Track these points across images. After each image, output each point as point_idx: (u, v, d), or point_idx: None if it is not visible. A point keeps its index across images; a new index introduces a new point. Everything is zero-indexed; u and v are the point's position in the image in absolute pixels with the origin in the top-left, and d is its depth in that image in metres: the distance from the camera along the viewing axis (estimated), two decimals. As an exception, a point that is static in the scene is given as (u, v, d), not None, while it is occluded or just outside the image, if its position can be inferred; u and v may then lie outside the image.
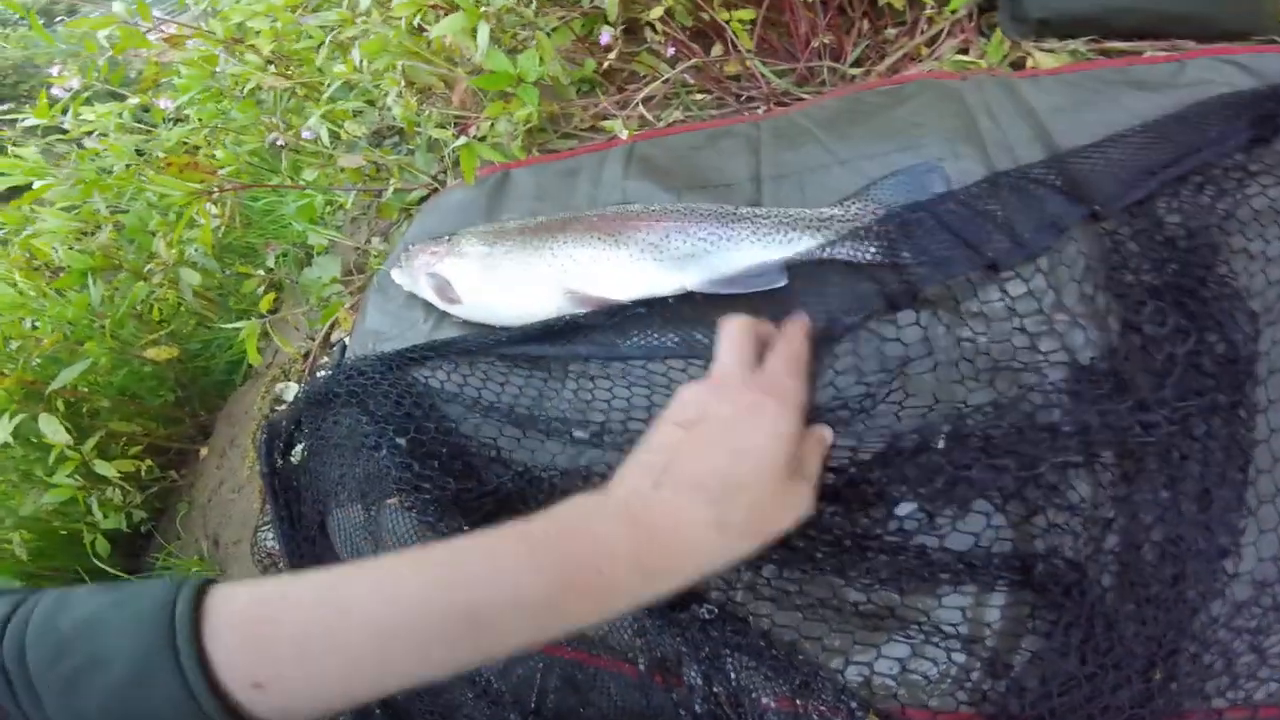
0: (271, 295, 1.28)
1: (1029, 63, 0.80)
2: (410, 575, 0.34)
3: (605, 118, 0.92)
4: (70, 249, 1.19)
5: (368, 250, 1.13)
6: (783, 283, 0.62)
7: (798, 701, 0.51)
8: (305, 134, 1.03)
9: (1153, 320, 0.51)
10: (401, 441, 0.60)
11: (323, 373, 1.00)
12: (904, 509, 0.49)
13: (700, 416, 0.40)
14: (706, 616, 0.52)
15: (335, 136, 1.13)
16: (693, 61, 0.88)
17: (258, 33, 1.19)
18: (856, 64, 0.89)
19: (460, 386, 0.65)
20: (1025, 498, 0.48)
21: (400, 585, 0.33)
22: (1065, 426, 0.49)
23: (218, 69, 1.21)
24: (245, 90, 1.19)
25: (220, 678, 0.30)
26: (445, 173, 1.04)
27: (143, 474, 1.19)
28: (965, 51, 0.85)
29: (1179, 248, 0.54)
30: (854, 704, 0.49)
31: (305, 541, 0.67)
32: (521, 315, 0.70)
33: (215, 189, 0.96)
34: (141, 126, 1.33)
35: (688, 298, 0.66)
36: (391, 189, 1.00)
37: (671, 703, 0.55)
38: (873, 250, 0.61)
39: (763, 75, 0.88)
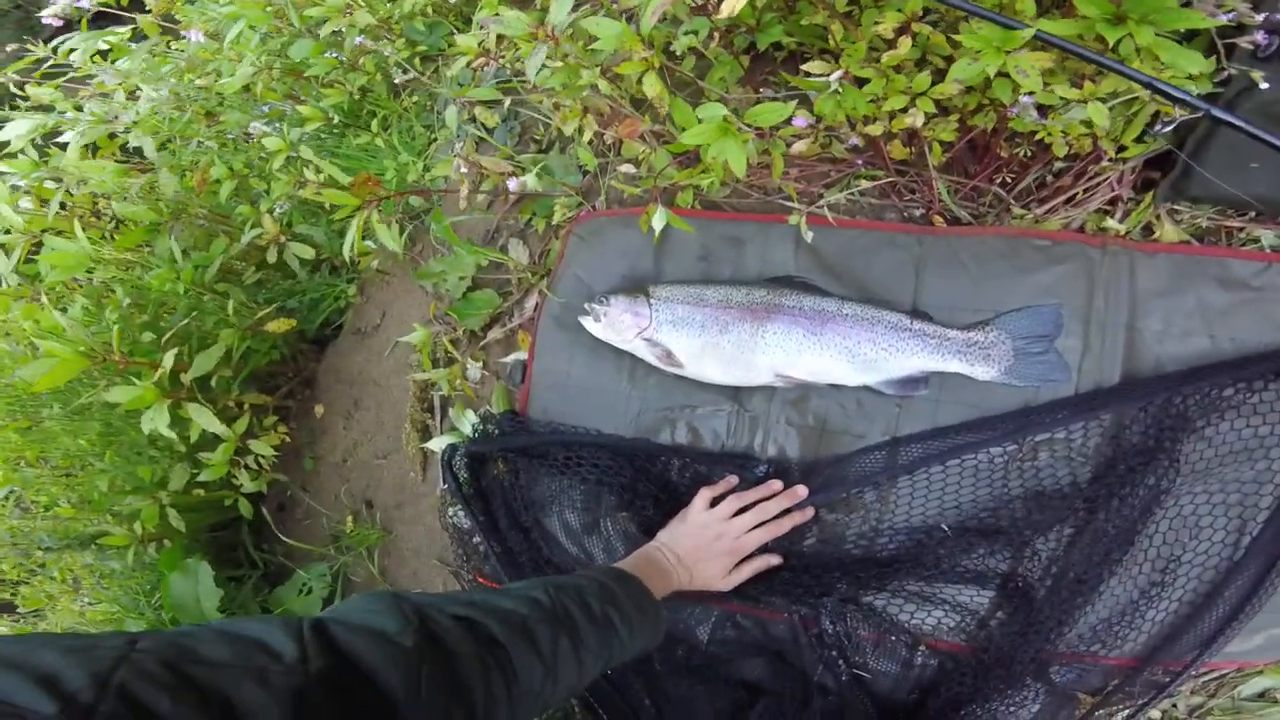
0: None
1: (1156, 230, 0.93)
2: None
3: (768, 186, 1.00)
4: (123, 200, 1.17)
5: (505, 249, 1.16)
6: (925, 392, 0.93)
7: (879, 634, 0.96)
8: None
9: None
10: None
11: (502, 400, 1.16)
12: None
13: (693, 533, 0.93)
14: (839, 597, 0.94)
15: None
16: (884, 178, 0.97)
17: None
18: (1019, 194, 0.97)
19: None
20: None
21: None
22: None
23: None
24: (325, 30, 1.07)
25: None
26: (590, 189, 1.08)
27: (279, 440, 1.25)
28: (1112, 203, 0.95)
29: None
30: (910, 639, 0.95)
31: (517, 530, 1.05)
32: (736, 381, 0.98)
33: (377, 198, 0.94)
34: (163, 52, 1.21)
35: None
36: (558, 212, 1.05)
37: (808, 637, 0.97)
38: (995, 373, 0.91)
39: (939, 194, 0.95)
